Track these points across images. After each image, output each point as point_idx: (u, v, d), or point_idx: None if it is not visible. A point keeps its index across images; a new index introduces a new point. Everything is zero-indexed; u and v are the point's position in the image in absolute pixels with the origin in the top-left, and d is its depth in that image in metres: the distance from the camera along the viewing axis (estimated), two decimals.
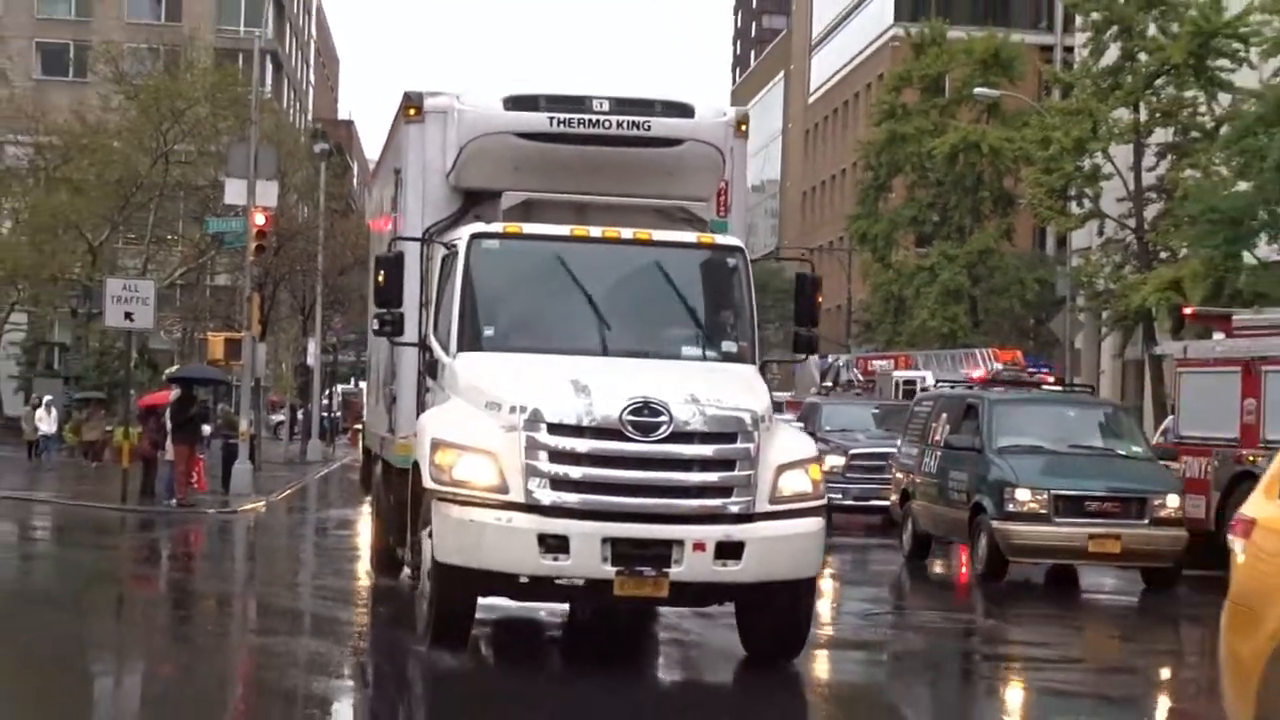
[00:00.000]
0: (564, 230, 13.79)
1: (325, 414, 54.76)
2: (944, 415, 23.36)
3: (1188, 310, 28.41)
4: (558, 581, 12.71)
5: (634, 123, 13.85)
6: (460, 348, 13.57)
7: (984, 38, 58.00)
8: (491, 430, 12.55)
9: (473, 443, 12.57)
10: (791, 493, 12.75)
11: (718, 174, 14.71)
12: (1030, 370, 39.83)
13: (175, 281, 56.92)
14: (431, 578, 13.01)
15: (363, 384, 52.24)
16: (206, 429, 34.92)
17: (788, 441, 13.45)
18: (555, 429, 12.32)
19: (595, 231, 13.77)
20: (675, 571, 12.29)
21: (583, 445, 12.31)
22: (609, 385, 12.74)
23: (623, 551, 12.23)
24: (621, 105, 13.91)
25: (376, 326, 14.18)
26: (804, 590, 13.30)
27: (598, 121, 13.80)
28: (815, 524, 13.05)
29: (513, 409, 12.51)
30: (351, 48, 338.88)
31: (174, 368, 47.70)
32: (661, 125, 13.96)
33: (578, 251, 13.90)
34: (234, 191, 35.52)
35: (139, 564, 23.73)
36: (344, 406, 56.07)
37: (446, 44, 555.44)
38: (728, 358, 14.09)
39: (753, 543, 12.41)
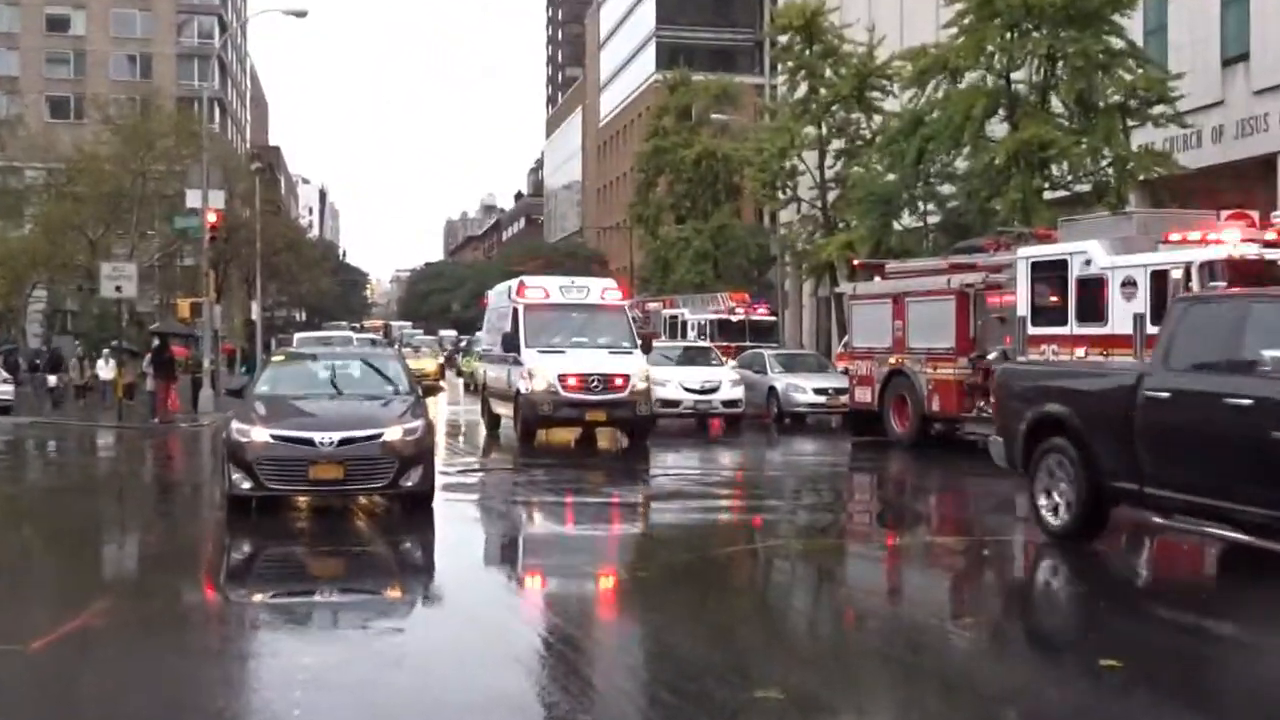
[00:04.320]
0: None
1: (265, 354, 53.33)
2: None
3: (856, 262, 28.84)
4: None
5: None
6: None
7: (717, 80, 58.21)
8: None
9: None
10: None
11: None
12: (753, 306, 40.50)
13: (154, 263, 55.61)
14: None
15: (299, 334, 50.61)
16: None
17: None
18: None
19: None
20: None
21: None
22: None
23: None
24: None
25: None
26: None
27: None
28: None
29: None
30: (277, 93, 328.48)
31: (155, 324, 46.19)
32: None
33: None
34: (193, 198, 35.09)
35: (132, 464, 23.02)
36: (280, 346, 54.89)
37: (345, 92, 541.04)
38: None
39: None
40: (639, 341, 23.49)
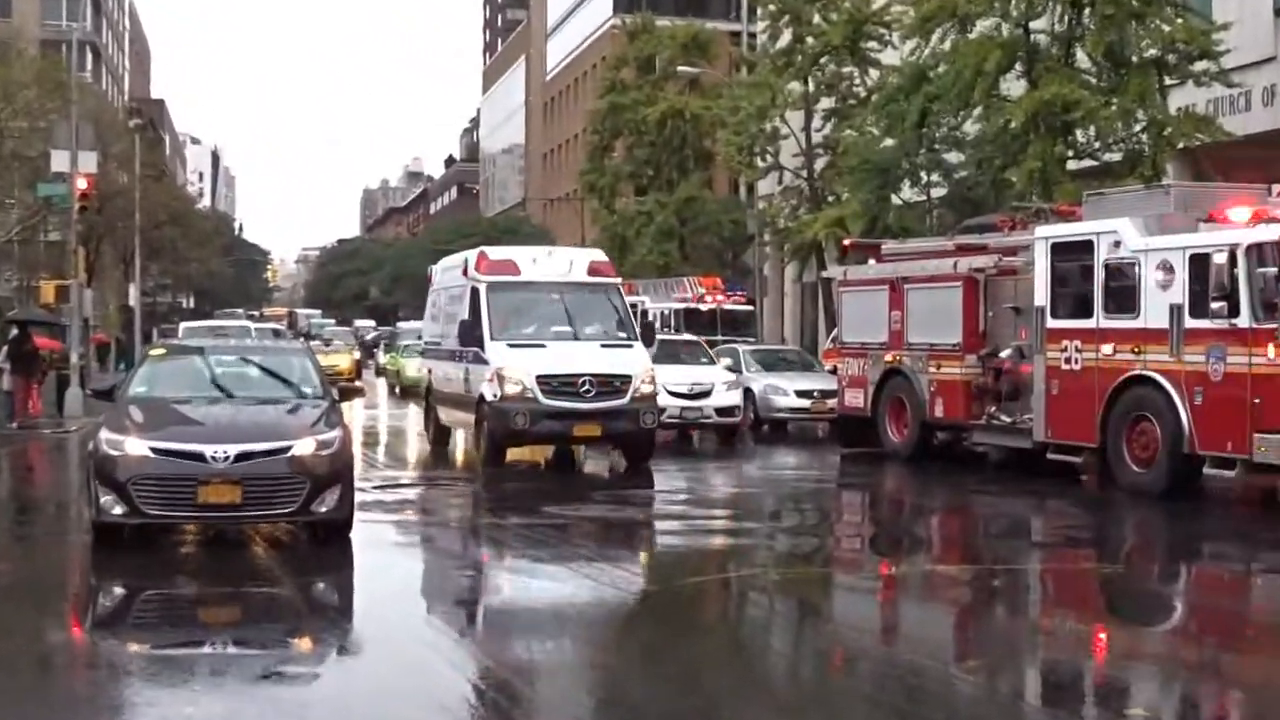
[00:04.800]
0: None
1: (146, 347, 53.02)
2: None
3: (847, 241, 28.95)
4: None
5: None
6: None
7: (685, 26, 58.24)
8: None
9: None
10: None
11: None
12: (726, 293, 40.61)
13: (13, 239, 54.97)
14: None
15: (185, 324, 50.03)
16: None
17: None
18: None
19: None
20: None
21: None
22: None
23: None
24: None
25: None
26: None
27: None
28: None
29: None
30: (162, 37, 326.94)
31: (13, 311, 45.79)
32: None
33: None
34: (59, 161, 34.86)
35: None
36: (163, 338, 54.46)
37: (242, 36, 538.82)
38: None
39: None
40: (638, 331, 21.60)
